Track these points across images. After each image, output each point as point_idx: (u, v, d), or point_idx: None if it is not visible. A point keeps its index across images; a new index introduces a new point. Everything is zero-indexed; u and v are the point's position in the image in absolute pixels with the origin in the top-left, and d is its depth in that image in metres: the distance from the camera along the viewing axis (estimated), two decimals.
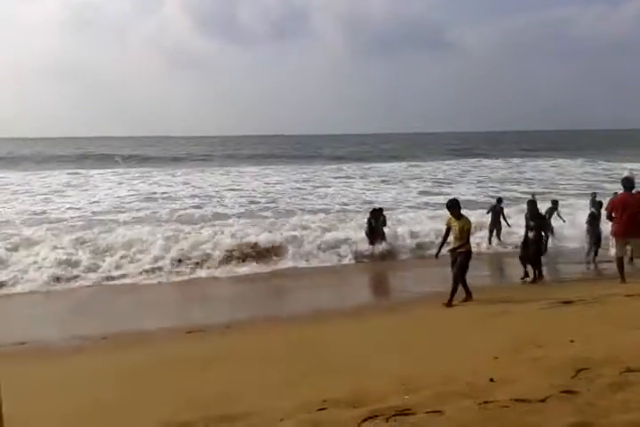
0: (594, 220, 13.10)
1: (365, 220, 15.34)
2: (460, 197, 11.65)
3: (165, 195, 25.90)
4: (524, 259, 11.21)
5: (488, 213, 16.02)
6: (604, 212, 10.97)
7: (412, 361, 5.57)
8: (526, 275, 11.19)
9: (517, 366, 4.74)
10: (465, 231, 9.10)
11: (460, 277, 9.07)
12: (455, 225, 9.14)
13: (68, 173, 35.81)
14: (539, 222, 11.37)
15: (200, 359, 6.30)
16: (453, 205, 9.23)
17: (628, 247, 10.05)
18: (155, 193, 26.47)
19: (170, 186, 29.78)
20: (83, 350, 7.38)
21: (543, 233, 11.75)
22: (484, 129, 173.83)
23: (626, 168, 21.61)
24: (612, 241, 10.08)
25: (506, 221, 15.80)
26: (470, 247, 9.31)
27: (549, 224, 14.37)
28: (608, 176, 31.96)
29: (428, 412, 3.76)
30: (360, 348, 6.46)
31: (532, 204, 11.58)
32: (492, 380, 4.32)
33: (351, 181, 32.69)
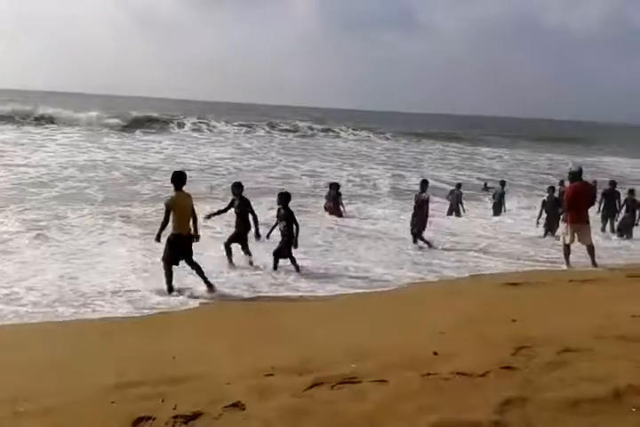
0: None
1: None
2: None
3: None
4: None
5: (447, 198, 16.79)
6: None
7: (360, 333, 5.69)
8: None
9: (461, 342, 4.89)
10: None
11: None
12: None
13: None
14: None
15: (148, 328, 6.28)
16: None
17: (575, 234, 10.38)
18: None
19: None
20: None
21: None
22: (445, 112, 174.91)
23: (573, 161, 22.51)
24: (568, 229, 10.38)
25: (462, 206, 16.56)
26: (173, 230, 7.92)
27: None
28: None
29: (372, 381, 3.85)
30: (310, 320, 6.55)
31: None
32: (435, 353, 4.45)
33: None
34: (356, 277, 8.98)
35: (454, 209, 16.45)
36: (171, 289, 7.70)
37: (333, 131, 47.53)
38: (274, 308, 7.46)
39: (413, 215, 11.99)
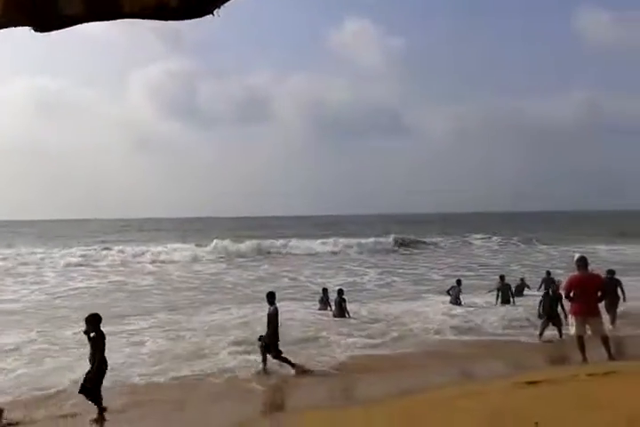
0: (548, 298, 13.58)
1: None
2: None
3: None
4: None
5: (448, 292, 17.84)
6: (561, 291, 11.36)
7: None
8: None
9: None
10: None
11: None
12: None
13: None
14: None
15: None
16: None
17: (587, 326, 10.24)
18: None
19: None
20: None
21: None
22: (443, 210, 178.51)
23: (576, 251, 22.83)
24: (572, 320, 10.29)
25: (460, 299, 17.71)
26: None
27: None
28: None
29: None
30: None
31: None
32: None
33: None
34: None
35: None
36: None
37: None
38: None
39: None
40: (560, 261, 30.69)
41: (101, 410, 8.18)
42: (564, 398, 6.87)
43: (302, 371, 10.42)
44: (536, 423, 5.50)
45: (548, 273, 18.97)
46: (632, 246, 39.63)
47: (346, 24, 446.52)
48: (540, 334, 13.10)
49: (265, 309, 11.42)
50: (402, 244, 44.05)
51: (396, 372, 10.82)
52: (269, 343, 10.59)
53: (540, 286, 18.67)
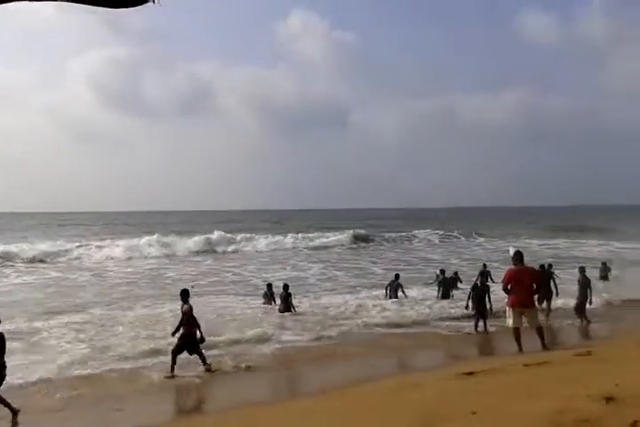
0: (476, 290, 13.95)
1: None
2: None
3: None
4: None
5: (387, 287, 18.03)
6: (495, 284, 11.69)
7: None
8: None
9: None
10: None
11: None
12: None
13: None
14: None
15: None
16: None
17: (524, 318, 10.53)
18: None
19: None
20: None
21: None
22: (393, 206, 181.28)
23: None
24: (509, 312, 10.55)
25: (404, 293, 17.79)
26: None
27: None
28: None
29: None
30: None
31: None
32: None
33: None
34: None
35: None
36: None
37: None
38: None
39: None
40: (497, 254, 31.66)
41: (14, 412, 7.92)
42: (500, 388, 6.97)
43: (212, 370, 10.20)
44: (473, 413, 5.56)
45: (485, 266, 19.66)
46: (565, 241, 41.40)
47: (292, 17, 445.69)
48: (476, 326, 13.40)
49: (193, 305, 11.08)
50: (359, 238, 44.04)
51: (334, 365, 10.86)
52: (185, 343, 10.28)
53: (478, 279, 19.18)
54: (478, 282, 14.41)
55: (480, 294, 13.74)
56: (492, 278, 18.79)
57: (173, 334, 10.55)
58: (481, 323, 13.42)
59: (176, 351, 10.16)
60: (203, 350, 10.41)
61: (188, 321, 10.42)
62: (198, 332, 10.48)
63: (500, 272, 15.41)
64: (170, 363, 9.98)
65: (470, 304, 13.95)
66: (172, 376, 9.84)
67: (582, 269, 15.12)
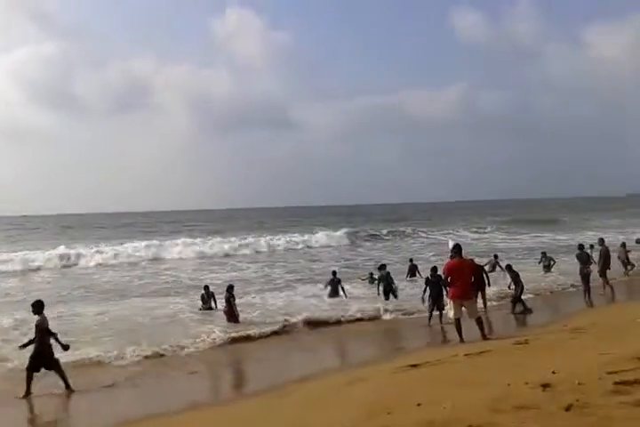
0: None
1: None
2: None
3: None
4: None
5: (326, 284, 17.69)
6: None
7: None
8: None
9: None
10: None
11: None
12: None
13: None
14: None
15: None
16: None
17: (464, 309, 10.76)
18: None
19: None
20: None
21: None
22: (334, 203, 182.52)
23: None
24: (450, 304, 10.77)
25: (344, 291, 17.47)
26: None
27: None
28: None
29: None
30: None
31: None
32: None
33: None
34: None
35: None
36: None
37: None
38: None
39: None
40: (433, 248, 32.45)
41: None
42: (444, 379, 7.09)
43: (71, 391, 9.23)
44: (418, 405, 5.62)
45: (411, 260, 20.59)
46: (498, 234, 42.88)
47: (228, 14, 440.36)
48: (430, 318, 13.57)
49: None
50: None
51: (274, 362, 10.84)
52: (40, 362, 9.28)
53: (408, 274, 20.06)
54: (429, 275, 14.63)
55: (434, 286, 13.88)
56: (419, 273, 19.35)
57: (22, 347, 9.59)
58: (437, 313, 13.54)
59: (31, 369, 9.18)
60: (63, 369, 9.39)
61: (41, 337, 9.33)
62: (56, 342, 9.42)
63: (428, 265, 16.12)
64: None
65: (426, 298, 14.06)
66: (27, 395, 9.02)
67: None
